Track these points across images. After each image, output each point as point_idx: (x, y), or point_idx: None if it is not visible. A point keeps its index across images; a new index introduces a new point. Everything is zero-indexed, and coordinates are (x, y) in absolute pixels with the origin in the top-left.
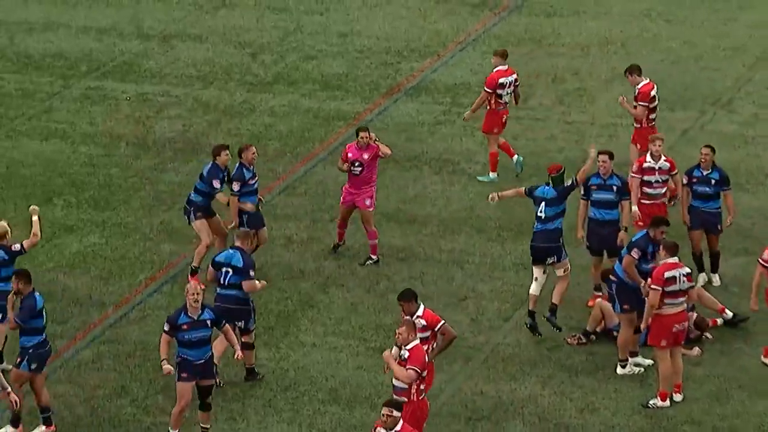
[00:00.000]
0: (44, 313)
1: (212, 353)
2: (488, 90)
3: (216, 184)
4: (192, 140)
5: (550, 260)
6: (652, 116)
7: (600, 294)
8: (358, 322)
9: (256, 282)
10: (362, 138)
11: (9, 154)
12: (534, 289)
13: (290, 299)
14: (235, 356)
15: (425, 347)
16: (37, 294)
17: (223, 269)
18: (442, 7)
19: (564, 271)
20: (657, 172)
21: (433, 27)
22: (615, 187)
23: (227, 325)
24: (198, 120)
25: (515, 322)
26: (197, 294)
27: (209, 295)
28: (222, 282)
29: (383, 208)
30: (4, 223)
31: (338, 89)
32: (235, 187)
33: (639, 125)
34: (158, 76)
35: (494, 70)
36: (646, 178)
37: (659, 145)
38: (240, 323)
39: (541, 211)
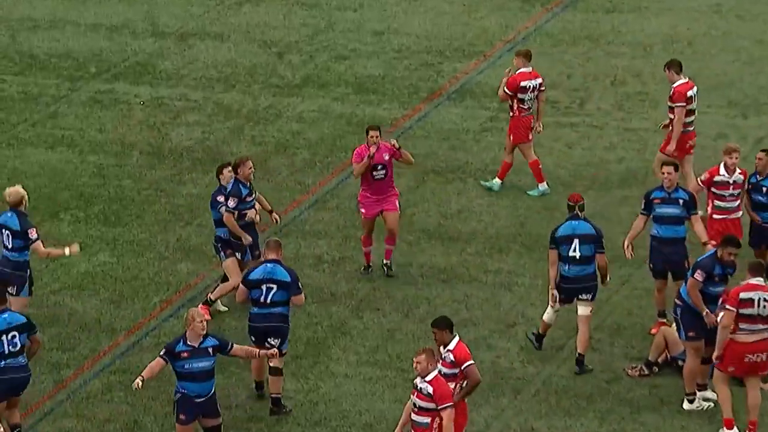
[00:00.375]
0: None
1: (215, 391)
2: (508, 91)
3: (220, 198)
4: (212, 149)
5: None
6: (689, 119)
7: (664, 321)
8: (395, 350)
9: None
10: (372, 137)
11: (11, 164)
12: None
13: (320, 325)
14: (266, 353)
15: (451, 385)
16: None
17: (264, 286)
18: (489, 3)
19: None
20: (731, 186)
21: (479, 24)
22: (681, 201)
23: (236, 346)
24: (219, 126)
25: (569, 351)
26: (203, 321)
27: (230, 318)
28: (263, 300)
29: (423, 224)
30: (19, 188)
31: (373, 93)
32: (231, 203)
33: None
34: (175, 78)
35: (516, 72)
36: (717, 191)
37: (736, 158)
38: (276, 341)
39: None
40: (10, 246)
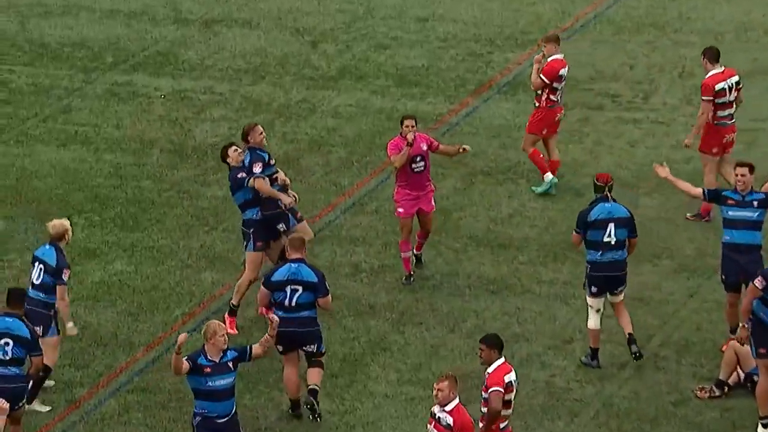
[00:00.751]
0: None
1: (236, 410)
2: (546, 79)
3: (242, 175)
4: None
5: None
6: (721, 113)
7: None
8: (439, 368)
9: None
10: (408, 126)
11: (20, 163)
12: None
13: (357, 340)
14: (273, 326)
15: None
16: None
17: (288, 288)
18: None
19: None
20: None
21: (533, 10)
22: (756, 203)
23: (254, 346)
24: (247, 122)
25: (632, 370)
26: (225, 335)
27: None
28: (288, 303)
29: (471, 230)
30: (65, 221)
31: (416, 85)
32: (257, 168)
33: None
34: (199, 69)
35: (550, 59)
36: None
37: None
38: (312, 347)
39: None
40: (38, 282)
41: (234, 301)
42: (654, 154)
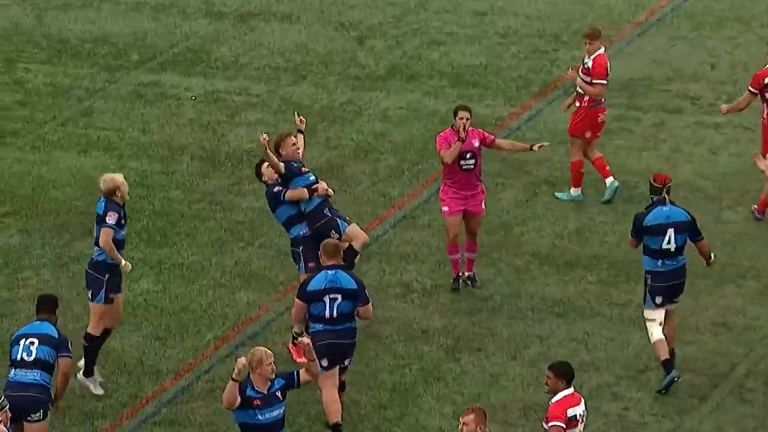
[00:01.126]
0: (17, 346)
1: None
2: (604, 81)
3: (278, 189)
4: None
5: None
6: None
7: None
8: (499, 399)
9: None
10: (462, 119)
11: (36, 171)
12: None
13: (408, 368)
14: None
15: None
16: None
17: (327, 297)
18: None
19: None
20: None
21: (603, 2)
22: None
23: (300, 372)
24: (286, 126)
25: (715, 403)
26: (272, 363)
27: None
28: (329, 315)
29: (534, 246)
30: (116, 176)
31: (474, 86)
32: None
33: None
34: (233, 67)
35: (596, 54)
36: None
37: None
38: (349, 361)
39: None
40: (94, 238)
41: (297, 330)
42: (738, 162)
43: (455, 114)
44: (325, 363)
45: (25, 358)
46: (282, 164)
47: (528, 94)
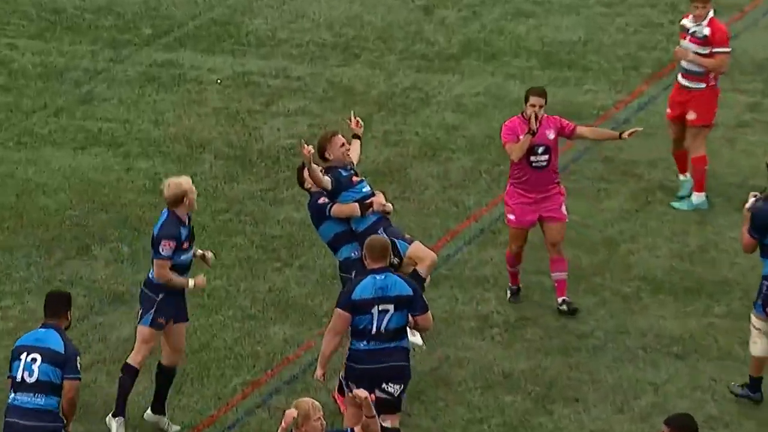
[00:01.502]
0: (18, 360)
1: None
2: (725, 49)
3: (323, 200)
4: None
5: None
6: None
7: None
8: None
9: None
10: (534, 105)
11: (22, 173)
12: None
13: (487, 422)
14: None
15: None
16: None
17: (375, 309)
18: None
19: None
20: None
21: None
22: None
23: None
24: (333, 117)
25: None
26: (320, 418)
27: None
28: (376, 330)
29: (646, 269)
30: (183, 181)
31: (570, 67)
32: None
33: None
34: (268, 44)
35: (708, 19)
36: None
37: None
38: (397, 387)
39: None
40: (150, 255)
41: (344, 373)
42: None
43: (526, 99)
44: (350, 388)
45: (27, 379)
46: (328, 179)
47: (638, 78)
